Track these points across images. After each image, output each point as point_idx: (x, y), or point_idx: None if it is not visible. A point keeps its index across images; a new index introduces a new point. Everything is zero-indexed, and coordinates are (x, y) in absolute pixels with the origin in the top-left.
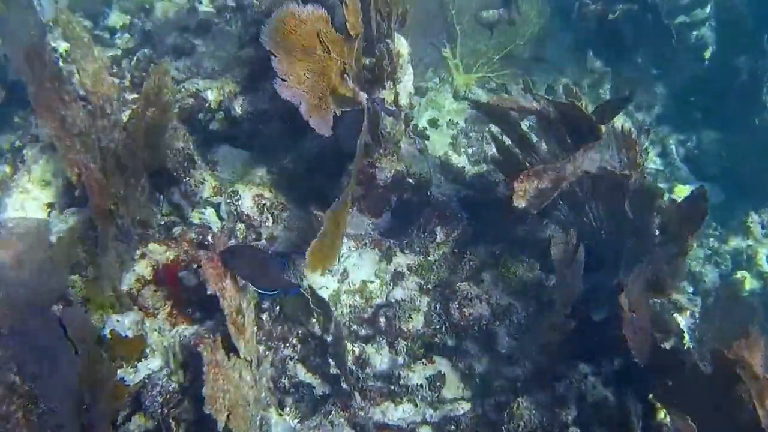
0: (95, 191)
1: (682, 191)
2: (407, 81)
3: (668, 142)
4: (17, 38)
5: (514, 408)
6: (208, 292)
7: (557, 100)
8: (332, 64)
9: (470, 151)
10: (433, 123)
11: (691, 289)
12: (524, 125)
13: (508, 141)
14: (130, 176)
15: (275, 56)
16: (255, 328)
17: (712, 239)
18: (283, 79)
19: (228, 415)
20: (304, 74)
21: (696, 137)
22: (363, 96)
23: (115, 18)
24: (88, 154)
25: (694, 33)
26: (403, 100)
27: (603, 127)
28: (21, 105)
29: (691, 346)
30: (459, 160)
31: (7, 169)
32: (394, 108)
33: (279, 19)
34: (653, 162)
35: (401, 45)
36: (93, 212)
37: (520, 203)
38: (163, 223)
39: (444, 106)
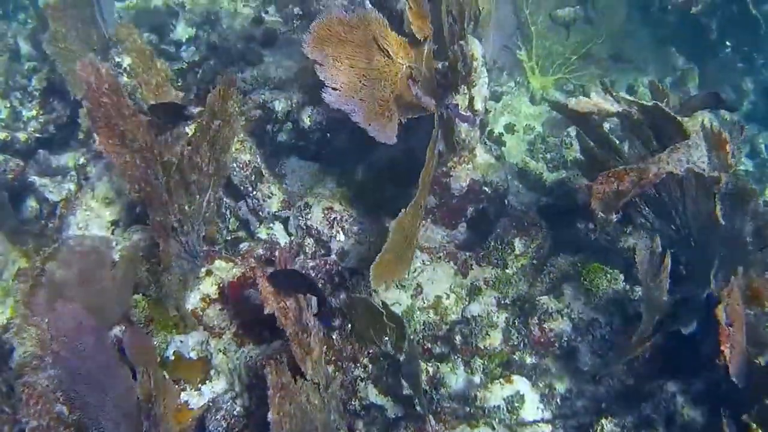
0: (155, 208)
1: None
2: (482, 85)
3: (758, 141)
4: (76, 55)
5: (598, 430)
6: (266, 311)
7: (639, 100)
8: (396, 69)
9: (548, 156)
10: (510, 128)
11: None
12: (606, 127)
13: (591, 142)
14: (195, 191)
15: (320, 65)
16: (324, 347)
17: None
18: (334, 88)
19: None
20: (360, 81)
21: None
22: (431, 102)
23: (181, 31)
24: (149, 169)
25: None
26: (479, 105)
27: (691, 127)
28: None
29: None
30: (537, 167)
31: (72, 186)
32: (468, 114)
33: (323, 26)
34: (742, 163)
35: (475, 47)
36: (154, 229)
37: (597, 206)
38: (230, 239)
39: (521, 110)
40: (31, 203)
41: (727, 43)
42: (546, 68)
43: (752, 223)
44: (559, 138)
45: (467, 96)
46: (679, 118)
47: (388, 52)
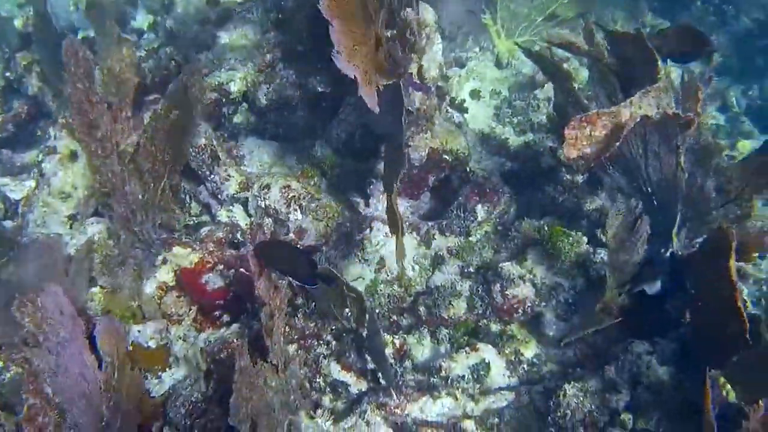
0: (117, 199)
1: (745, 146)
2: (436, 52)
3: (729, 94)
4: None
5: (561, 396)
6: (256, 289)
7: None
8: (373, 35)
9: (515, 120)
10: (475, 94)
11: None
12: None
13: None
14: (149, 180)
15: (332, 26)
16: (285, 327)
17: None
18: (338, 52)
19: (253, 425)
20: (354, 46)
21: (759, 86)
22: (401, 69)
23: (141, 19)
24: (107, 159)
25: None
26: (432, 73)
27: (662, 71)
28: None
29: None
30: (503, 131)
31: (33, 183)
32: (422, 83)
33: None
34: (712, 119)
35: (427, 12)
36: (116, 220)
37: (570, 153)
38: (192, 223)
39: (486, 75)
40: None
41: None
42: (512, 31)
43: (715, 179)
44: (526, 101)
45: (417, 64)
46: (653, 51)
47: (371, 15)
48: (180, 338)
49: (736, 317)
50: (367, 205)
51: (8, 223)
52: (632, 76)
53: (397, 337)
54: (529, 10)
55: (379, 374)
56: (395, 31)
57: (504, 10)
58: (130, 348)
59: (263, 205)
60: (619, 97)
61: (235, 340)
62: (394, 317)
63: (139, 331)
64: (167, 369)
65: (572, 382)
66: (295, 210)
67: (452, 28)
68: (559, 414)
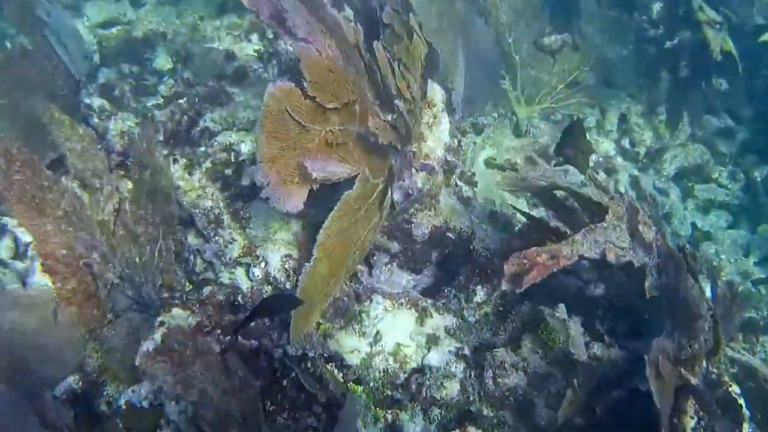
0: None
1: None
2: (443, 131)
3: (753, 174)
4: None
5: None
6: None
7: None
8: (311, 137)
9: (528, 192)
10: (490, 163)
11: None
12: None
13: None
14: (144, 243)
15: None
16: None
17: None
18: (261, 161)
19: None
20: (278, 152)
21: None
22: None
23: (162, 62)
24: (78, 231)
25: None
26: (438, 153)
27: (610, 210)
28: None
29: None
30: (515, 202)
31: None
32: (427, 162)
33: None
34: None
35: (435, 92)
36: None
37: (506, 286)
38: (198, 279)
39: (503, 143)
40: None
41: None
42: (532, 97)
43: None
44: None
45: (425, 145)
46: (601, 201)
47: (300, 122)
48: (173, 401)
49: None
50: (370, 274)
51: (18, 264)
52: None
53: (389, 412)
54: (549, 77)
55: None
56: (394, 116)
57: (524, 76)
58: (123, 407)
59: (264, 273)
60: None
61: None
62: (388, 392)
63: (132, 392)
64: (158, 430)
65: None
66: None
67: (471, 93)
68: None
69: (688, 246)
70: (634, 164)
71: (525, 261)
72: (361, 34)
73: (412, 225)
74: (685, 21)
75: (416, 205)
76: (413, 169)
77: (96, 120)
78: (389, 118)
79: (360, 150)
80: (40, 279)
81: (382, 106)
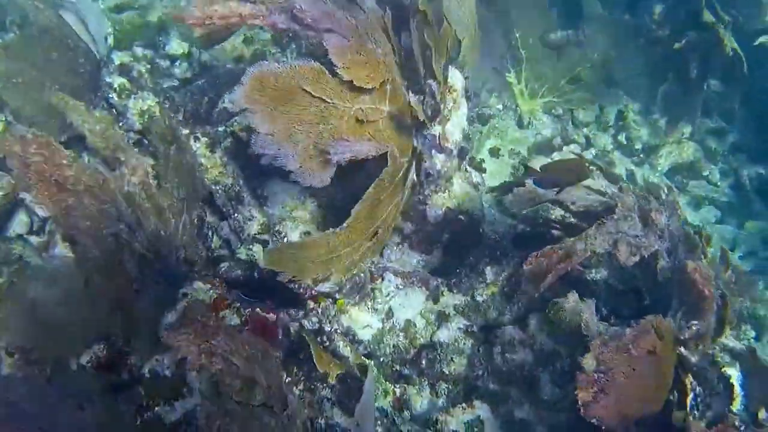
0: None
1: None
2: (461, 116)
3: (742, 172)
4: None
5: None
6: None
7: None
8: (338, 114)
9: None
10: (495, 152)
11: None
12: None
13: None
14: (169, 216)
15: (253, 113)
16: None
17: None
18: (267, 134)
19: None
20: (294, 126)
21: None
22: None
23: (176, 46)
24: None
25: None
26: (456, 137)
27: (620, 202)
28: None
29: None
30: None
31: None
32: (446, 145)
33: (255, 77)
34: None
35: (455, 79)
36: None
37: (529, 288)
38: (212, 256)
39: (507, 134)
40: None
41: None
42: (535, 91)
43: None
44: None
45: (443, 128)
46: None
47: (322, 98)
48: (194, 369)
49: None
50: (381, 254)
51: (34, 239)
52: None
53: (398, 386)
54: (553, 72)
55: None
56: (422, 97)
57: (529, 70)
58: (147, 376)
59: None
60: None
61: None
62: (397, 367)
63: (157, 360)
64: (180, 398)
65: None
66: None
67: (477, 84)
68: None
69: (705, 228)
70: (630, 159)
71: (542, 260)
72: (390, 19)
73: (427, 206)
74: (693, 21)
75: (431, 186)
76: (433, 150)
77: (116, 98)
78: (414, 99)
79: (390, 129)
80: (62, 251)
81: (409, 88)
